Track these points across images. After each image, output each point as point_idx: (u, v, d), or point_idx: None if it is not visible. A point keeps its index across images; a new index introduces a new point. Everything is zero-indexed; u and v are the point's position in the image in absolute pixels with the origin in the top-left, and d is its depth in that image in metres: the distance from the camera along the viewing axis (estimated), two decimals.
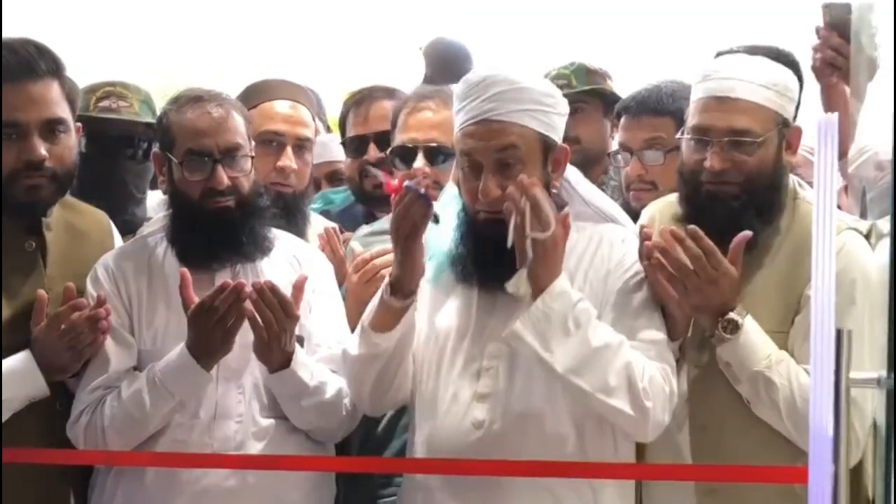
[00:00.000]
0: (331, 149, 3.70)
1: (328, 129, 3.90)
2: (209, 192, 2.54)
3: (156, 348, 2.53)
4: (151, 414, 2.46)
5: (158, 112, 2.90)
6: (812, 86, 2.91)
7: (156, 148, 2.67)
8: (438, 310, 2.46)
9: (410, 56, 5.00)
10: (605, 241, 2.43)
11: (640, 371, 2.25)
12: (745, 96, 2.37)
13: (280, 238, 2.68)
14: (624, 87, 3.44)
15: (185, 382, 2.46)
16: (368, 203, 3.15)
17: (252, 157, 2.61)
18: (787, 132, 2.42)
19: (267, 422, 2.55)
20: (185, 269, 2.48)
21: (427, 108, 2.80)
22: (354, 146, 3.18)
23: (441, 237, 2.44)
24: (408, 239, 2.33)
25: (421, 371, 2.45)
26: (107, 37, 5.63)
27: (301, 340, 2.57)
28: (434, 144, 2.64)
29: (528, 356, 2.27)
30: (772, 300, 2.38)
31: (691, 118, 2.44)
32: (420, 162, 2.80)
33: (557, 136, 2.39)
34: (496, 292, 2.36)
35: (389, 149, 2.91)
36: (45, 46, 2.50)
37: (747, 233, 2.32)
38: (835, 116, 1.80)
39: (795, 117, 2.52)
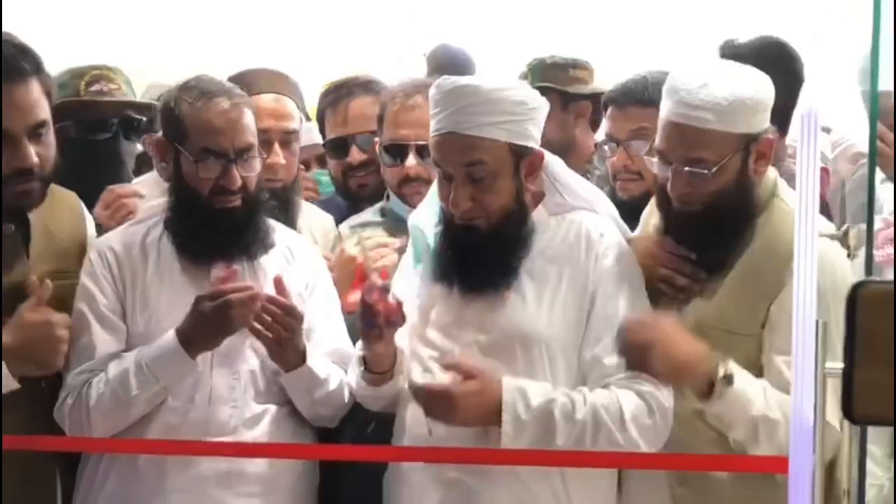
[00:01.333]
0: (316, 133, 3.70)
1: (307, 118, 3.89)
2: (219, 189, 2.54)
3: (149, 332, 2.53)
4: (136, 396, 2.47)
5: (141, 94, 2.90)
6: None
7: (158, 134, 2.65)
8: (420, 295, 2.50)
9: (413, 59, 4.99)
10: (582, 236, 2.45)
11: (618, 416, 2.30)
12: (702, 125, 2.33)
13: (275, 230, 2.68)
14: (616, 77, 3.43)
15: (170, 368, 2.47)
16: (353, 201, 3.15)
17: (262, 158, 2.62)
18: (754, 145, 2.37)
19: (261, 408, 2.57)
20: (237, 268, 2.53)
21: (416, 106, 2.80)
22: (335, 148, 3.16)
23: (426, 225, 2.49)
24: (376, 340, 2.40)
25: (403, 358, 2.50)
26: (79, 22, 5.58)
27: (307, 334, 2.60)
28: (424, 142, 2.64)
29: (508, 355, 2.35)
30: (739, 302, 2.38)
31: (656, 137, 2.44)
32: (412, 160, 2.83)
33: (533, 141, 2.41)
34: (471, 287, 2.40)
35: (380, 145, 2.91)
36: (24, 44, 2.43)
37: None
38: (817, 109, 1.82)
39: (791, 111, 2.51)
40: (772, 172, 2.47)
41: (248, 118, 2.57)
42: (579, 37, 5.32)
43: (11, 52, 2.38)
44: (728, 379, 2.25)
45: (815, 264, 1.86)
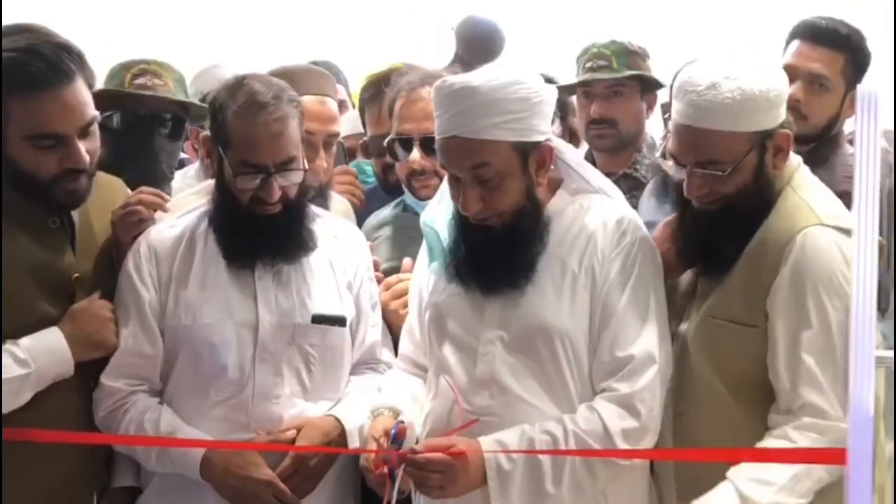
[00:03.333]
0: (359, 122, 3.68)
1: (353, 105, 3.87)
2: (258, 200, 2.52)
3: (196, 325, 2.54)
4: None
5: (193, 92, 2.87)
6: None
7: (204, 131, 2.63)
8: (437, 293, 2.48)
9: (441, 33, 4.94)
10: (600, 222, 2.40)
11: (601, 435, 2.28)
12: (712, 126, 2.28)
13: (319, 219, 2.67)
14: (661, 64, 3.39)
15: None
16: (395, 196, 3.11)
17: (305, 171, 2.58)
18: (770, 141, 2.32)
19: (306, 405, 2.57)
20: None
21: (420, 98, 2.78)
22: (375, 145, 3.14)
23: (440, 224, 2.48)
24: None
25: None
26: (120, 18, 5.59)
27: (343, 321, 2.61)
28: (429, 135, 2.59)
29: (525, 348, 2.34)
30: (741, 293, 2.33)
31: (669, 139, 2.40)
32: (416, 153, 2.81)
33: (539, 135, 2.36)
34: (489, 285, 2.38)
35: (386, 139, 2.89)
36: (68, 43, 2.43)
37: None
38: (876, 87, 1.76)
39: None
40: (794, 160, 2.41)
41: (292, 129, 2.52)
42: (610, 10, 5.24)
43: (56, 54, 2.37)
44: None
45: (875, 251, 1.81)
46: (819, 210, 2.30)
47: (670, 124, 2.41)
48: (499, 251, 2.36)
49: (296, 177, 2.54)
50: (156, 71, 3.10)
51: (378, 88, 3.13)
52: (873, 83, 1.79)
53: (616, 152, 3.40)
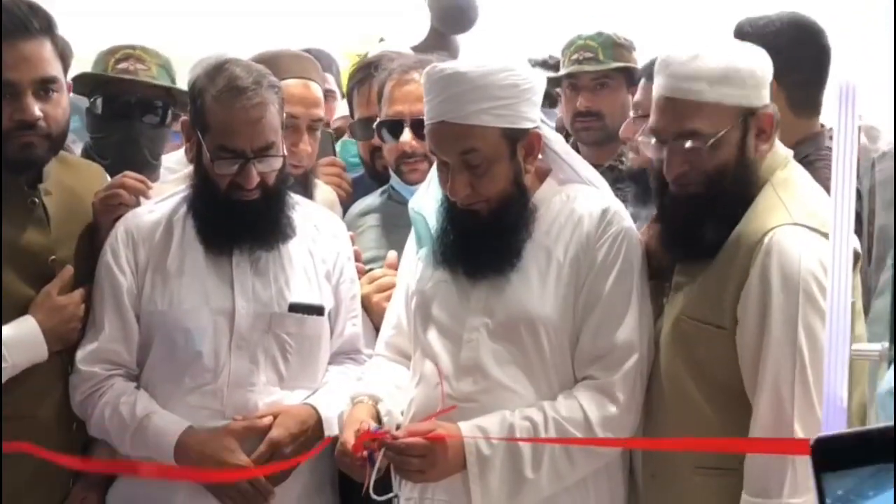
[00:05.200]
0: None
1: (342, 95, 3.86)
2: (236, 185, 2.51)
3: (172, 310, 2.53)
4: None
5: (178, 78, 2.86)
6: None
7: (185, 116, 2.62)
8: (424, 279, 2.48)
9: (415, 8, 4.90)
10: (586, 212, 2.40)
11: (582, 423, 2.29)
12: (694, 97, 2.23)
13: (299, 207, 2.65)
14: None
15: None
16: (381, 182, 3.09)
17: (284, 157, 2.57)
18: (753, 120, 2.27)
19: (282, 393, 2.56)
20: None
21: (412, 80, 2.76)
22: (362, 128, 3.12)
23: (428, 210, 2.47)
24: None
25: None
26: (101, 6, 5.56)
27: (321, 310, 2.60)
28: (420, 117, 2.57)
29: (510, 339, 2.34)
30: (711, 293, 2.28)
31: (650, 117, 2.35)
32: (407, 135, 2.80)
33: (528, 122, 2.36)
34: (475, 271, 2.38)
35: (376, 122, 2.87)
36: (37, 4, 2.45)
37: None
38: (855, 80, 1.76)
39: (821, 95, 2.44)
40: (781, 155, 2.36)
41: (272, 115, 2.50)
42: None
43: (21, 11, 2.40)
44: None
45: (850, 246, 1.81)
46: (793, 209, 2.24)
47: (653, 101, 2.34)
48: (485, 237, 2.37)
49: (275, 163, 2.53)
50: (139, 56, 3.06)
51: (367, 72, 3.11)
52: (851, 76, 1.79)
53: (603, 145, 3.40)
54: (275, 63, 2.81)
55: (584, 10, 3.69)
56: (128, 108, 3.02)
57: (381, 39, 4.62)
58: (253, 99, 2.46)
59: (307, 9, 5.28)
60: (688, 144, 2.25)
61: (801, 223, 2.21)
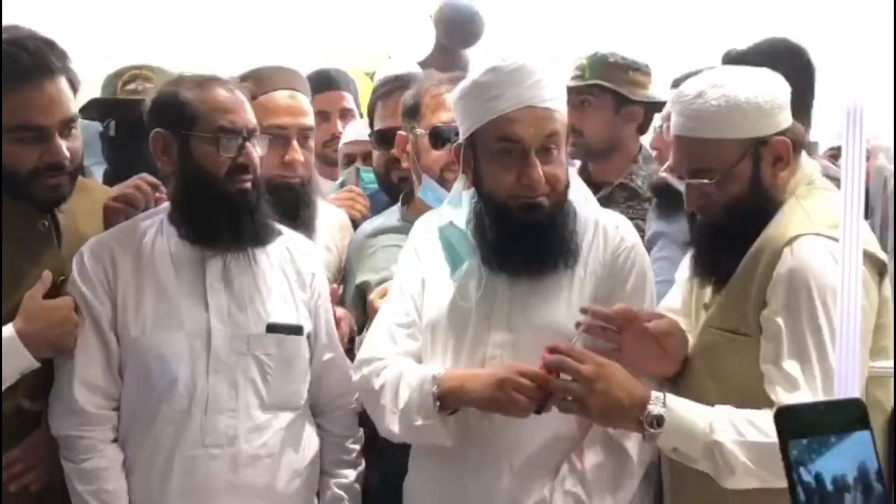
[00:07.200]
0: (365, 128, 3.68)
1: (361, 115, 3.89)
2: (235, 169, 2.49)
3: (145, 336, 2.47)
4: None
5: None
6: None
7: (157, 129, 2.55)
8: (446, 293, 2.45)
9: (421, 24, 4.92)
10: (600, 226, 2.46)
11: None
12: (699, 134, 2.29)
13: (277, 231, 2.62)
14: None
15: None
16: (394, 195, 3.11)
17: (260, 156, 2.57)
18: (765, 149, 2.30)
19: (264, 416, 2.51)
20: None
21: (447, 92, 2.75)
22: (381, 139, 3.15)
23: (459, 234, 2.45)
24: None
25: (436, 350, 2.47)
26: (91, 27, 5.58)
27: (299, 329, 2.57)
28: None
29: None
30: (737, 302, 2.32)
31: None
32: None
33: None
34: (533, 266, 2.38)
35: (428, 131, 2.84)
36: (52, 40, 2.45)
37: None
38: (863, 101, 1.77)
39: (809, 111, 2.43)
40: (809, 169, 2.39)
41: (248, 102, 2.54)
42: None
43: (41, 49, 2.40)
44: (656, 419, 2.18)
45: (860, 254, 1.81)
46: (816, 218, 2.27)
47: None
48: (547, 233, 2.37)
49: (261, 149, 2.55)
50: (146, 75, 3.10)
51: (394, 84, 3.16)
52: (859, 96, 1.80)
53: (599, 161, 3.42)
54: (257, 78, 2.85)
55: (588, 23, 3.69)
56: (141, 128, 3.03)
57: (389, 57, 4.65)
58: (230, 84, 2.52)
59: (315, 28, 5.31)
60: (697, 182, 2.31)
61: (822, 233, 2.23)
